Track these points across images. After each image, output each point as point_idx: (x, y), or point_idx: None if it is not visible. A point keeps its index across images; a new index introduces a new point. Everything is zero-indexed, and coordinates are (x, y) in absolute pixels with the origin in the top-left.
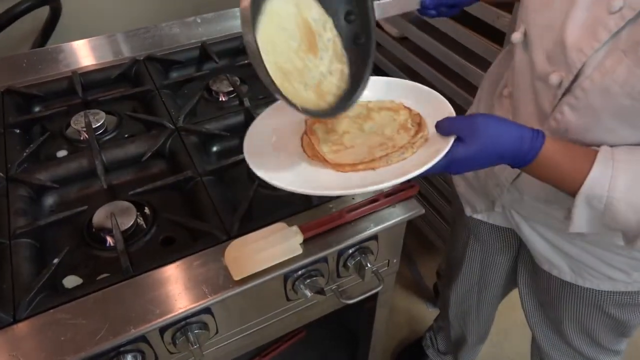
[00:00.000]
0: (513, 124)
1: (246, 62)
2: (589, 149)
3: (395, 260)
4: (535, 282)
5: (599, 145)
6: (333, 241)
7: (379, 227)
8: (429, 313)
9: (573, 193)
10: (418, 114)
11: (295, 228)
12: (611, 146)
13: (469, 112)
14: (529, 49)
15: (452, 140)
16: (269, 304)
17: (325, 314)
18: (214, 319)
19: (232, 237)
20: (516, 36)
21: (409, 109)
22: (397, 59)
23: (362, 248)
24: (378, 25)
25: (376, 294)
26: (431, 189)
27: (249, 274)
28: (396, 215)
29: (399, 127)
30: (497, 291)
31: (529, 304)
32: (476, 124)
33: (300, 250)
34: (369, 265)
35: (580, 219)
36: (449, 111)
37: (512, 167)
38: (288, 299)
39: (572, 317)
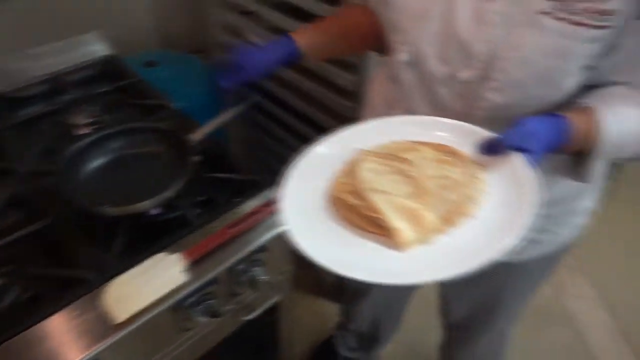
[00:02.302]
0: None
1: (103, 90)
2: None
3: (289, 267)
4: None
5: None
6: (220, 260)
7: (266, 237)
8: (335, 308)
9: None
10: (439, 144)
11: (175, 256)
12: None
13: None
14: (418, 65)
15: (518, 154)
16: (165, 338)
17: (229, 334)
18: None
19: (108, 278)
20: (404, 56)
21: (425, 143)
22: None
23: (253, 261)
24: None
25: (276, 304)
26: None
27: (132, 314)
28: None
29: (437, 162)
30: (410, 289)
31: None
32: (529, 125)
33: (182, 279)
34: (262, 277)
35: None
36: (475, 130)
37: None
38: (184, 329)
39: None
